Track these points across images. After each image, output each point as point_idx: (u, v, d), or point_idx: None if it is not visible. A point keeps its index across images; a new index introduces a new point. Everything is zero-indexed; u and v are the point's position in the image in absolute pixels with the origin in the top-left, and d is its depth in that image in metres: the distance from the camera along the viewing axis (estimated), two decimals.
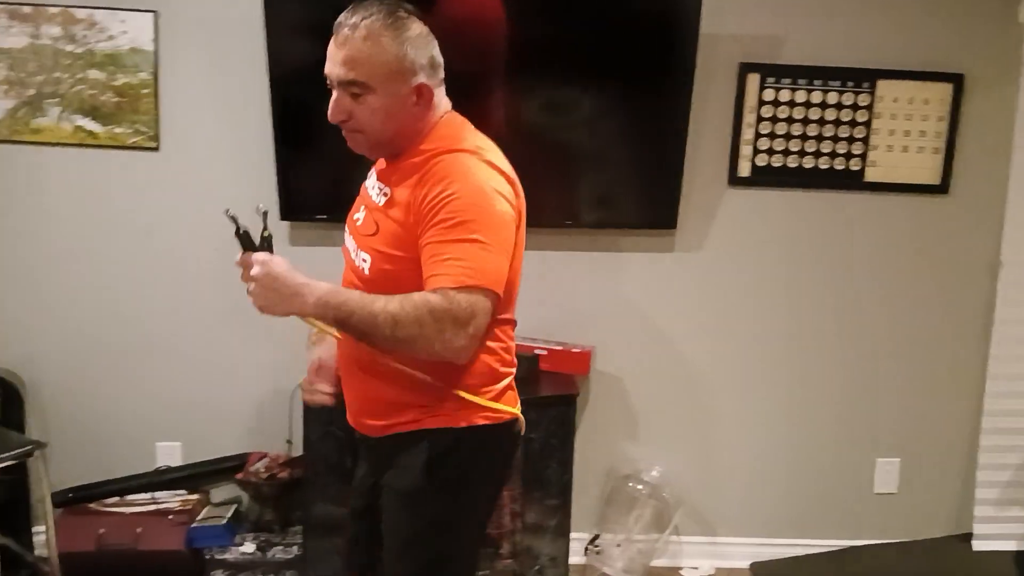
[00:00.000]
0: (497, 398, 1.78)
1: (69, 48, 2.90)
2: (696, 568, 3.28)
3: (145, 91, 2.94)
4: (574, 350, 3.08)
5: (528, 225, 3.05)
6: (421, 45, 1.68)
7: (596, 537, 3.19)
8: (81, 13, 2.89)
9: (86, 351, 3.09)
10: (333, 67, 1.67)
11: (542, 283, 3.15)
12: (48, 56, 2.90)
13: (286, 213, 2.96)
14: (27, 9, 2.88)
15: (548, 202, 3.08)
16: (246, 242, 1.68)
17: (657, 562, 3.22)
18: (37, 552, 2.97)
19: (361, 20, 1.63)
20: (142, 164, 3.00)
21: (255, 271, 1.61)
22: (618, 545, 3.15)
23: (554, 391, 2.95)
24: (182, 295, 3.10)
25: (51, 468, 2.83)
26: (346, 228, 1.86)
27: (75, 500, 3.01)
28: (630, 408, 3.24)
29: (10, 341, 2.98)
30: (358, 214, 1.81)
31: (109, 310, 3.09)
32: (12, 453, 2.69)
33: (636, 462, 3.24)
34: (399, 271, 1.65)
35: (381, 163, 1.83)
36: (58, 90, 2.92)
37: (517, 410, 1.84)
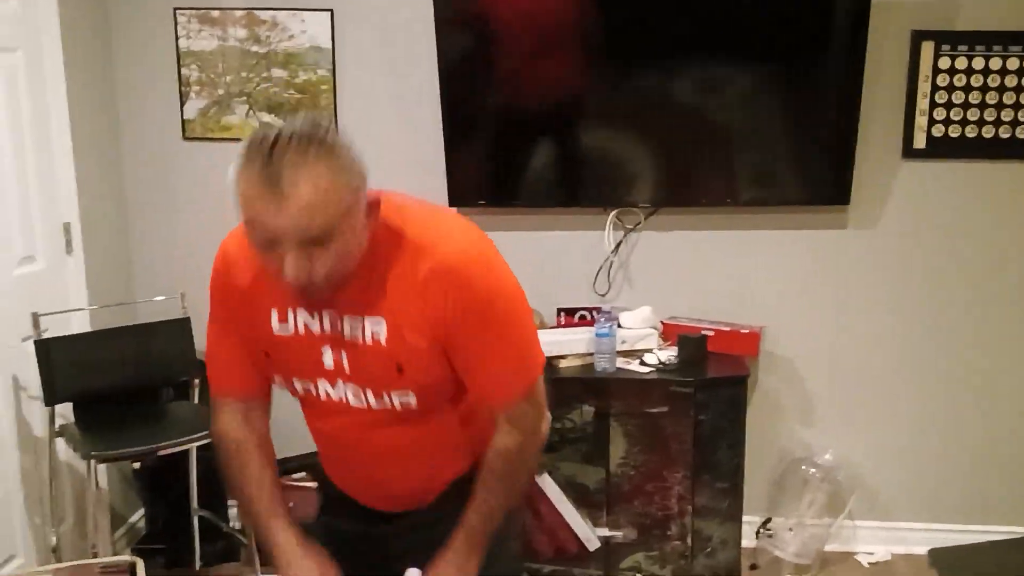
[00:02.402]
0: None
1: (254, 49, 3.09)
2: (871, 553, 3.19)
3: (324, 87, 3.10)
4: (743, 331, 3.05)
5: (692, 205, 3.10)
6: (353, 152, 1.33)
7: (768, 521, 3.15)
8: (264, 15, 3.07)
9: None
10: (279, 232, 1.28)
11: (707, 264, 3.15)
12: (235, 57, 3.10)
13: (453, 200, 3.07)
14: (215, 14, 3.08)
15: (711, 182, 3.09)
16: None
17: (831, 547, 3.16)
18: (232, 524, 3.17)
19: (293, 167, 1.25)
20: None
21: None
22: (790, 529, 3.10)
23: (723, 373, 2.93)
24: None
25: None
26: (300, 378, 1.55)
27: None
28: (802, 389, 3.19)
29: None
30: (327, 356, 1.50)
31: None
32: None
33: (809, 444, 3.18)
34: (445, 382, 1.51)
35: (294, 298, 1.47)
36: (245, 89, 3.11)
37: None
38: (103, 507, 3.01)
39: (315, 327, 1.48)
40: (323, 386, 1.53)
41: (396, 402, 1.50)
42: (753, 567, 3.12)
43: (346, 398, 1.52)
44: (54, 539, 2.84)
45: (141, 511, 3.30)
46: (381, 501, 1.67)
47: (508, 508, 1.59)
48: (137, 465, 3.16)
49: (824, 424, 3.19)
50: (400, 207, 1.45)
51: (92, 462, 2.74)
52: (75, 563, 2.40)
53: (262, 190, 1.26)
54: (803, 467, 3.13)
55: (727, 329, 3.05)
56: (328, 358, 1.49)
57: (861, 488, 3.17)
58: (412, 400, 1.49)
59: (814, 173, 3.04)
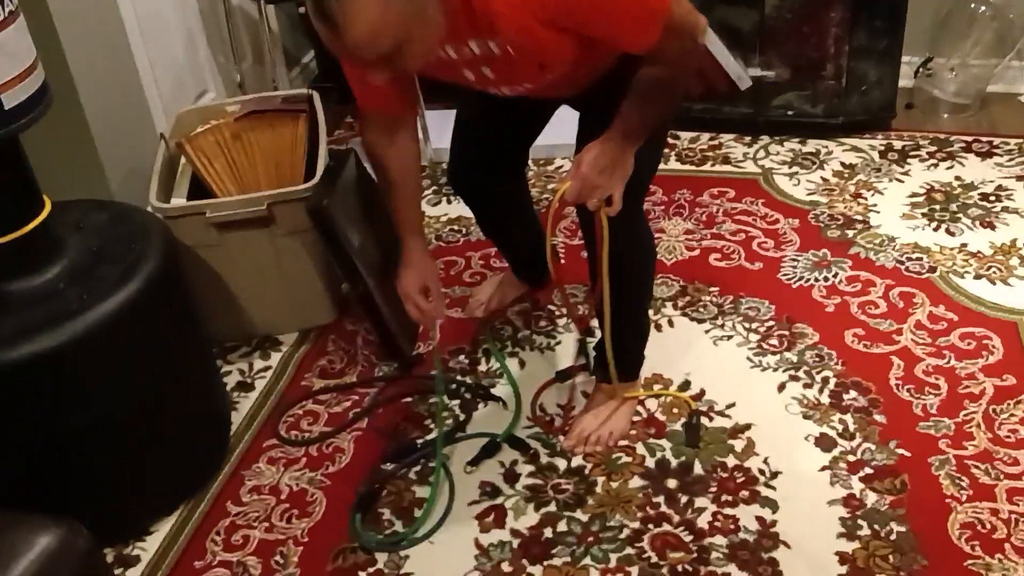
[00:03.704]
0: None
1: None
2: None
3: None
4: None
5: None
6: None
7: (928, 60, 3.06)
8: None
9: None
10: (351, 55, 1.31)
11: None
12: None
13: None
14: None
15: None
16: None
17: (993, 87, 3.06)
18: None
19: (341, 2, 1.23)
20: None
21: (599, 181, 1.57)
22: (951, 69, 3.01)
23: None
24: None
25: None
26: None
27: None
28: None
29: None
30: (468, 73, 1.56)
31: None
32: None
33: None
34: (588, 51, 1.51)
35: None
36: None
37: None
38: (277, 46, 3.22)
39: (450, 53, 1.49)
40: (477, 87, 1.61)
41: (549, 78, 1.56)
42: (909, 106, 3.09)
43: (501, 91, 1.63)
44: (238, 76, 3.11)
45: (312, 53, 3.52)
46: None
47: (659, 119, 1.65)
48: (303, 9, 3.30)
49: None
50: None
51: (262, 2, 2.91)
52: (259, 95, 2.61)
53: (321, 26, 1.26)
54: (971, 5, 2.95)
55: None
56: (469, 74, 1.55)
57: None
58: (562, 73, 1.56)
59: None
